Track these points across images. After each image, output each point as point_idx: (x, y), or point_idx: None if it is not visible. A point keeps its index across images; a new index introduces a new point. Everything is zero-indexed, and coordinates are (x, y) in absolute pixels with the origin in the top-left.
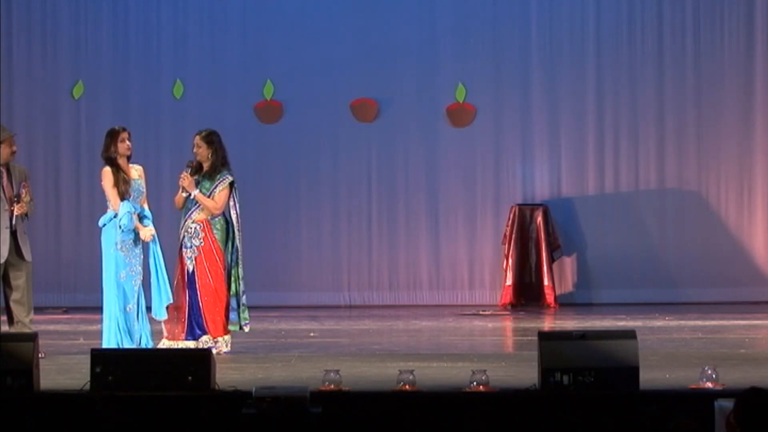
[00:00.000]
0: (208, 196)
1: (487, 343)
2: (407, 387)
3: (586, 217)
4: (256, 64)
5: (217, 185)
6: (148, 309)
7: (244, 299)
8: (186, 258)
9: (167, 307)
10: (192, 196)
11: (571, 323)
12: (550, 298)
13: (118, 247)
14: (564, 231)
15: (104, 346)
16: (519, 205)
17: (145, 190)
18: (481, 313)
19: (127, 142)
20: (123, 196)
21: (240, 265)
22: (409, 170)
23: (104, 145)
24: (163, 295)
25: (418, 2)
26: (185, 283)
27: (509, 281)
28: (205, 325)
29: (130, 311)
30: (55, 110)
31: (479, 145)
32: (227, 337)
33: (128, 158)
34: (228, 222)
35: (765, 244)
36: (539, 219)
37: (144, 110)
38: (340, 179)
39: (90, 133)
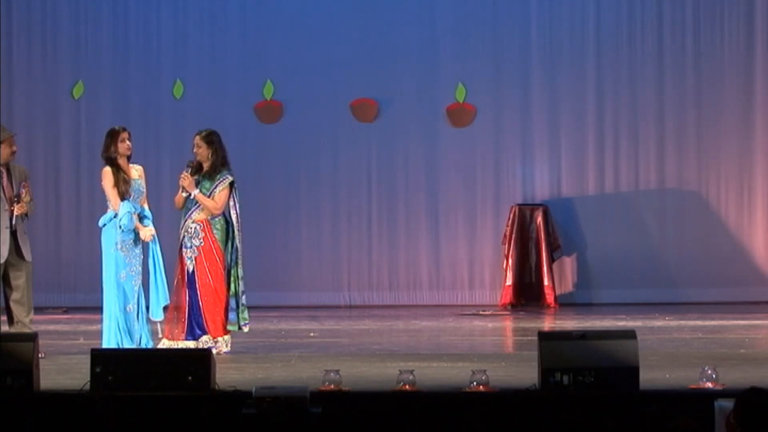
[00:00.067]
0: (208, 196)
1: (487, 343)
2: (407, 387)
3: (586, 217)
4: (256, 64)
5: (217, 185)
6: (147, 309)
7: (243, 299)
8: (186, 258)
9: (165, 308)
10: (192, 196)
11: (571, 323)
12: (550, 298)
13: (118, 247)
14: (564, 231)
15: (104, 346)
16: (519, 205)
17: (145, 190)
18: (481, 313)
19: (127, 142)
20: (123, 196)
21: (239, 265)
22: (409, 170)
23: (104, 145)
24: (160, 296)
25: (418, 2)
26: (185, 283)
27: (509, 281)
28: (205, 325)
29: (130, 311)
30: (55, 110)
31: (479, 145)
32: (227, 337)
33: (128, 158)
34: (228, 222)
35: (765, 244)
36: (539, 219)
37: (144, 110)
38: (340, 179)
39: (90, 133)
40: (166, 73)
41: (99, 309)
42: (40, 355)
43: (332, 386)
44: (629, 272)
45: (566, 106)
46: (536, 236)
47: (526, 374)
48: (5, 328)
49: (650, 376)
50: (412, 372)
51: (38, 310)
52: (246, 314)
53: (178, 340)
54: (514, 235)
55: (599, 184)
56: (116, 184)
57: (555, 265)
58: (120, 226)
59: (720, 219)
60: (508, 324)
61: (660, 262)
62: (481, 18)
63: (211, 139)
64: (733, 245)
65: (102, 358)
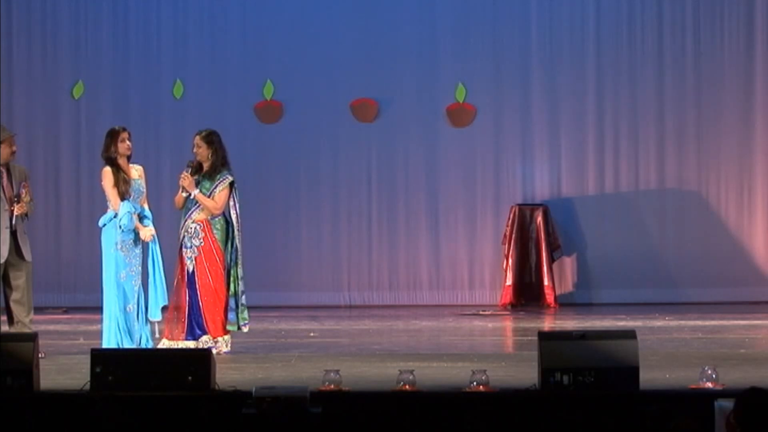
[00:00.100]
0: (208, 196)
1: (487, 343)
2: (407, 387)
3: (586, 217)
4: (256, 64)
5: (217, 185)
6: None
7: (243, 299)
8: (186, 258)
9: (164, 308)
10: (192, 196)
11: (571, 323)
12: (550, 298)
13: (118, 247)
14: (564, 231)
15: (104, 346)
16: (519, 205)
17: (145, 190)
18: (481, 313)
19: (128, 142)
20: (123, 196)
21: (239, 265)
22: (409, 170)
23: (104, 145)
24: (159, 296)
25: (418, 2)
26: (185, 283)
27: (509, 281)
28: (205, 325)
29: (130, 311)
30: (55, 110)
31: (479, 145)
32: (227, 337)
33: (128, 158)
34: (228, 222)
35: (765, 244)
36: (539, 219)
37: (144, 110)
38: (340, 179)
39: (90, 133)
40: (166, 73)
41: (99, 309)
42: (40, 355)
43: (332, 386)
44: (629, 272)
45: (566, 106)
46: (536, 236)
47: (526, 374)
48: (5, 328)
49: (650, 376)
50: (412, 372)
51: (38, 310)
52: (246, 314)
53: (178, 340)
54: (514, 235)
55: (599, 184)
56: (116, 184)
57: (555, 265)
58: (120, 226)
59: (720, 219)
60: (508, 324)
61: (660, 262)
62: (481, 18)
63: (211, 139)
64: (733, 245)
65: (102, 358)
